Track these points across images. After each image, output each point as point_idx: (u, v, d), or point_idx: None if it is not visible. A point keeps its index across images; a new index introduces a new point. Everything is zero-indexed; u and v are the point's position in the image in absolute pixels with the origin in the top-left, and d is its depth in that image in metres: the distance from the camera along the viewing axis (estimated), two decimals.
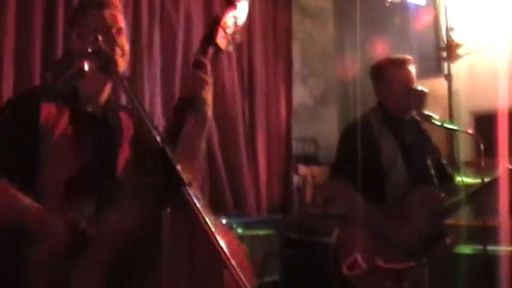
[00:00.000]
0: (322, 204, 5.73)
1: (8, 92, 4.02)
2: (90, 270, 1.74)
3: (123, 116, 2.29)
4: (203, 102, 2.00)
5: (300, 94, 6.77)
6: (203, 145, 2.19)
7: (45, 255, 1.81)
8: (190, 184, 1.54)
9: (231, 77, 5.95)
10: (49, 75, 1.79)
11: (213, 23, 2.21)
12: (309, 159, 6.55)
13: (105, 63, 1.79)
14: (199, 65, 2.08)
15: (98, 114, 2.18)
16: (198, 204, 1.50)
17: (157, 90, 5.25)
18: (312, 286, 4.81)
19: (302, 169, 6.47)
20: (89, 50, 1.80)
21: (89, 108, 2.17)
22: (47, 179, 1.98)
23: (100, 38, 1.81)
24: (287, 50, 6.66)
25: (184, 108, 1.98)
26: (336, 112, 7.00)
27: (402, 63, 3.41)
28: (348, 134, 3.48)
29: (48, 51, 4.33)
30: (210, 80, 2.05)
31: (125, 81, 1.73)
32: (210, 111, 2.10)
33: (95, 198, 1.91)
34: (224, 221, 4.58)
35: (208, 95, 2.04)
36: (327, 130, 6.62)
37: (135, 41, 5.05)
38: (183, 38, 5.50)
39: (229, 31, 2.21)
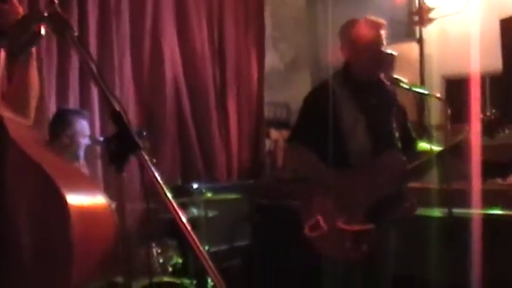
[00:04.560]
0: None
1: None
2: None
3: None
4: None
5: (271, 59, 6.76)
6: (34, 76, 2.05)
7: None
8: (145, 148, 1.53)
9: (201, 40, 5.90)
10: (5, 39, 1.75)
11: None
12: (281, 124, 6.57)
13: (61, 26, 1.75)
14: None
15: None
16: (153, 169, 1.48)
17: (127, 55, 5.19)
18: (282, 251, 4.85)
19: (274, 133, 6.50)
20: (45, 14, 1.75)
21: None
22: None
23: (56, 1, 1.77)
24: (259, 14, 6.61)
25: None
26: (308, 77, 6.99)
27: (373, 25, 3.37)
28: (308, 99, 3.47)
29: None
30: (19, 9, 1.88)
31: (79, 45, 1.69)
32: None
33: None
34: (195, 186, 4.58)
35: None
36: (299, 95, 6.58)
37: (102, 5, 4.98)
38: (152, 2, 5.43)
39: None
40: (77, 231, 1.55)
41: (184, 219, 1.50)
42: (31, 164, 1.63)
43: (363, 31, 3.34)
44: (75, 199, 1.59)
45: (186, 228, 1.49)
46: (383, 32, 3.36)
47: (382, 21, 3.39)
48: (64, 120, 3.86)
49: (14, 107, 1.87)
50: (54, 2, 1.76)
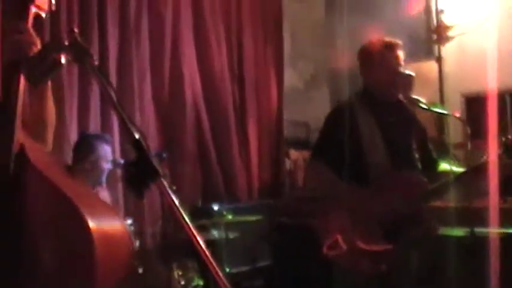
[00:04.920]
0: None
1: None
2: None
3: None
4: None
5: (290, 78, 6.76)
6: (50, 104, 2.06)
7: None
8: (165, 175, 1.54)
9: (221, 61, 5.94)
10: (24, 69, 1.77)
11: None
12: (301, 144, 6.55)
13: (81, 55, 1.77)
14: (18, 30, 1.89)
15: None
16: (172, 195, 1.50)
17: (147, 78, 5.24)
18: (303, 270, 4.83)
19: (294, 153, 6.49)
20: (65, 43, 1.78)
21: None
22: None
23: (76, 30, 1.80)
24: (277, 33, 6.64)
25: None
26: (327, 95, 6.99)
27: (390, 47, 3.39)
28: (328, 119, 3.51)
29: None
30: (35, 39, 1.88)
31: (98, 73, 1.71)
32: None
33: None
34: (215, 208, 4.60)
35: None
36: (318, 114, 6.60)
37: (123, 28, 5.05)
38: (171, 23, 5.48)
39: None
40: (99, 253, 1.58)
41: (202, 244, 1.50)
42: (52, 188, 1.66)
43: (380, 53, 3.36)
44: (96, 222, 1.61)
45: (205, 253, 1.49)
46: (400, 53, 3.38)
47: (399, 42, 3.41)
48: (88, 146, 3.90)
49: (32, 135, 1.90)
50: (74, 31, 1.79)
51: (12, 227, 1.65)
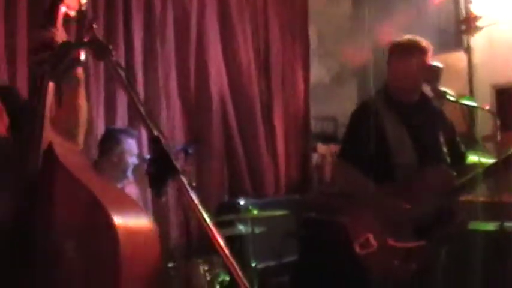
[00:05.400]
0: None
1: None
2: None
3: None
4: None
5: (317, 73, 6.73)
6: (82, 102, 2.08)
7: None
8: (184, 172, 1.53)
9: (247, 56, 5.93)
10: (46, 66, 1.78)
11: None
12: (328, 138, 6.53)
13: (101, 51, 1.77)
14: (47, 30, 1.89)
15: None
16: (191, 193, 1.49)
17: (172, 73, 5.25)
18: (330, 265, 4.81)
19: (321, 148, 6.46)
20: (85, 40, 1.78)
21: None
22: None
23: (95, 26, 1.80)
24: (303, 28, 6.63)
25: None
26: (354, 90, 6.95)
27: (423, 51, 3.34)
28: (354, 116, 3.49)
29: None
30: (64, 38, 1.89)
31: (119, 69, 1.71)
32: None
33: None
34: (242, 202, 4.59)
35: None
36: (346, 108, 6.56)
37: (148, 24, 5.06)
38: (196, 19, 5.48)
39: None
40: (124, 251, 1.58)
41: (221, 241, 1.49)
42: (78, 186, 1.67)
43: (406, 52, 3.33)
44: (122, 220, 1.62)
45: (223, 249, 1.48)
46: (427, 53, 3.33)
47: (426, 42, 3.36)
48: (113, 139, 3.92)
49: (63, 133, 1.91)
50: (92, 28, 1.79)
51: (38, 225, 1.67)
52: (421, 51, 3.33)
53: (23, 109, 2.12)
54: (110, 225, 1.58)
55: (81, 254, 1.63)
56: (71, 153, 1.85)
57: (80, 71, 2.02)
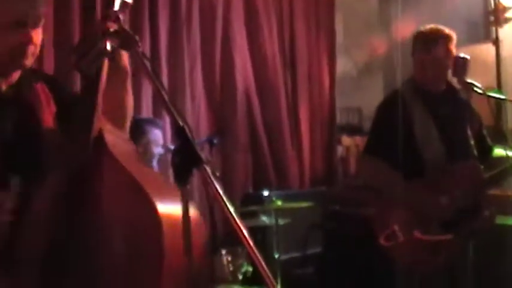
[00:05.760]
0: None
1: None
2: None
3: (40, 89, 2.17)
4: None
5: (343, 65, 6.71)
6: (129, 93, 2.14)
7: None
8: (208, 161, 1.54)
9: (272, 47, 5.93)
10: (73, 57, 1.79)
11: None
12: (353, 130, 6.51)
13: (127, 41, 1.78)
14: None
15: (7, 95, 2.09)
16: (215, 182, 1.49)
17: (198, 65, 5.26)
18: (355, 258, 4.80)
19: (346, 140, 6.45)
20: (111, 30, 1.79)
21: None
22: None
23: (121, 17, 1.81)
24: (329, 20, 6.60)
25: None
26: (381, 82, 6.90)
27: (446, 39, 3.34)
28: (380, 110, 3.51)
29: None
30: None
31: (145, 60, 1.72)
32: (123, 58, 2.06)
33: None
34: (266, 194, 4.59)
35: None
36: (371, 100, 6.53)
37: (174, 15, 5.07)
38: (222, 11, 5.49)
39: None
40: (168, 239, 1.63)
41: (245, 233, 1.50)
42: (124, 173, 1.73)
43: (430, 41, 3.32)
44: (167, 209, 1.67)
45: (246, 239, 1.48)
46: (451, 41, 3.32)
47: (449, 30, 3.34)
48: (139, 129, 3.94)
49: (112, 122, 1.95)
50: (119, 18, 1.80)
51: (85, 212, 1.72)
52: (445, 38, 3.34)
53: (71, 99, 2.19)
54: (154, 212, 1.64)
55: (126, 240, 1.68)
56: (120, 141, 1.91)
57: (127, 63, 2.08)
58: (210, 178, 1.49)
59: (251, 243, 1.47)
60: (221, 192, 1.48)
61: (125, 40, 1.79)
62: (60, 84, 2.33)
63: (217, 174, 1.48)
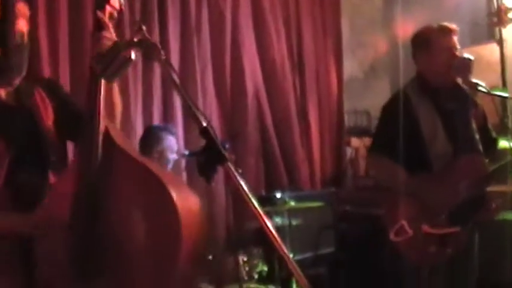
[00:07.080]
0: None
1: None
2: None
3: (38, 95, 2.26)
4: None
5: (350, 66, 6.78)
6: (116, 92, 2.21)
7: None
8: (231, 159, 1.63)
9: (281, 51, 6.00)
10: (98, 66, 1.89)
11: None
12: (362, 131, 6.57)
13: (150, 50, 1.87)
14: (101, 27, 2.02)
15: (8, 102, 2.19)
16: (239, 179, 1.58)
17: (208, 71, 5.36)
18: (366, 258, 4.86)
19: (355, 141, 6.50)
20: (135, 39, 1.88)
21: None
22: None
23: (144, 27, 1.90)
24: (336, 22, 6.67)
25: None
26: (388, 83, 6.97)
27: (445, 31, 3.39)
28: (386, 108, 3.55)
29: None
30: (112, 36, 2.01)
31: (169, 67, 1.81)
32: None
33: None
34: (278, 195, 4.67)
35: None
36: (379, 101, 6.56)
37: (183, 23, 5.16)
38: (231, 16, 5.59)
39: None
40: (185, 224, 1.72)
41: (271, 228, 1.58)
42: (137, 165, 1.83)
43: (435, 36, 3.38)
44: (181, 198, 1.76)
45: (274, 236, 1.57)
46: (455, 37, 3.38)
47: (454, 26, 3.41)
48: (154, 137, 4.02)
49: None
50: (142, 28, 1.90)
51: (101, 204, 1.81)
52: (455, 32, 3.39)
53: (68, 100, 2.32)
54: (171, 200, 1.73)
55: (146, 227, 1.77)
56: (121, 137, 2.00)
57: None
58: (233, 175, 1.59)
59: (277, 237, 1.55)
60: (245, 187, 1.58)
61: (148, 50, 1.88)
62: (56, 86, 2.45)
63: (240, 171, 1.56)
